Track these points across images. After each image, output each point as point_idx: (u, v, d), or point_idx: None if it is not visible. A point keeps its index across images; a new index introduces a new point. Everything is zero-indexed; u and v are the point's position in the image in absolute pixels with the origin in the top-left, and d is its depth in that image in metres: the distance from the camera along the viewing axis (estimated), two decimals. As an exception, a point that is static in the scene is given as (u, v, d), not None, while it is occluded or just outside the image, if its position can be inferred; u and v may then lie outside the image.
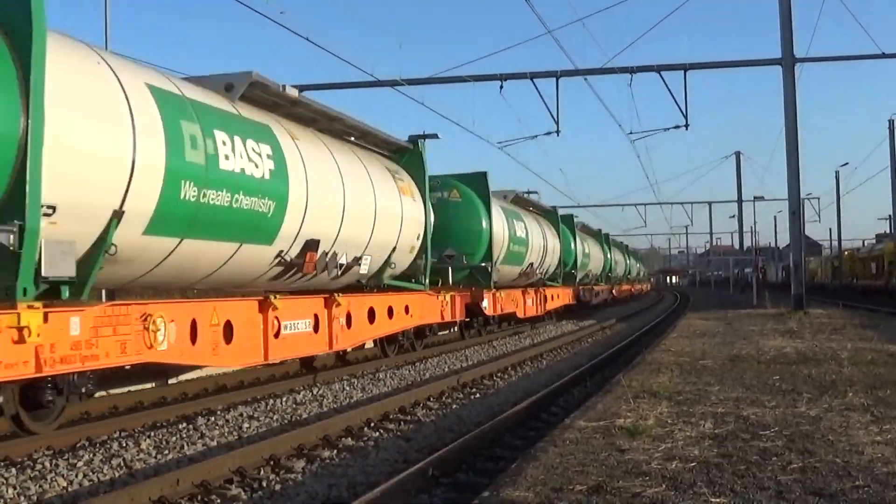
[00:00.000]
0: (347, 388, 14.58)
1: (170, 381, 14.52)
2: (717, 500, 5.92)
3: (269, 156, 12.95)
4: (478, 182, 24.95)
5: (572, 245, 40.27)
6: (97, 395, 12.28)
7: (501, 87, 31.30)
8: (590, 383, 15.20)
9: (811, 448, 7.43)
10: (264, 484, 8.31)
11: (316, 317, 15.03)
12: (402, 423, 11.63)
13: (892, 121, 48.15)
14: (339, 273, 15.84)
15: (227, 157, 11.83)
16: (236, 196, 11.94)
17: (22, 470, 8.55)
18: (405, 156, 20.72)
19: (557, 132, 32.08)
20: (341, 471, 8.85)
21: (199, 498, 7.91)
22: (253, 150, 12.56)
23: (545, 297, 33.18)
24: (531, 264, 30.31)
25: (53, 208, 9.09)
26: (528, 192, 39.62)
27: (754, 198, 77.33)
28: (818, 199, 77.20)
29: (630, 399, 10.20)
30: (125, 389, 13.45)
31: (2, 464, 8.85)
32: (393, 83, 29.24)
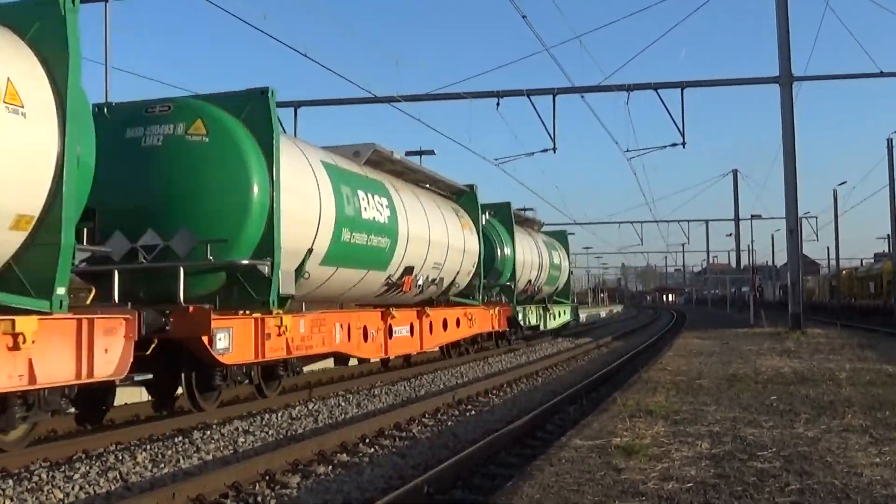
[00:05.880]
0: (343, 404, 14.55)
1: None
2: (715, 521, 5.90)
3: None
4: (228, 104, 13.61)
5: (507, 248, 28.69)
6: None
7: (498, 103, 31.48)
8: (586, 401, 15.17)
9: (809, 469, 7.41)
10: (259, 499, 8.29)
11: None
12: (397, 439, 11.60)
13: (891, 140, 48.18)
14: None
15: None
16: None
17: (19, 481, 8.53)
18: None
19: (554, 149, 32.06)
20: (336, 486, 8.82)
21: (194, 513, 7.87)
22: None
23: (439, 321, 21.68)
24: (408, 269, 19.00)
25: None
26: (525, 209, 38.42)
27: (752, 216, 77.58)
28: (816, 217, 77.59)
29: (626, 418, 10.18)
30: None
31: (-3, 476, 8.83)
32: (390, 99, 29.29)
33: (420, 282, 19.80)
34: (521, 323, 30.59)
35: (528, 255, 32.22)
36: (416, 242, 19.12)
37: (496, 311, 26.63)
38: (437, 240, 20.52)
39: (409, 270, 18.95)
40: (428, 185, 22.96)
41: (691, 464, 7.66)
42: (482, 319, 25.33)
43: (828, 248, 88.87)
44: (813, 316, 53.08)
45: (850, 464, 7.65)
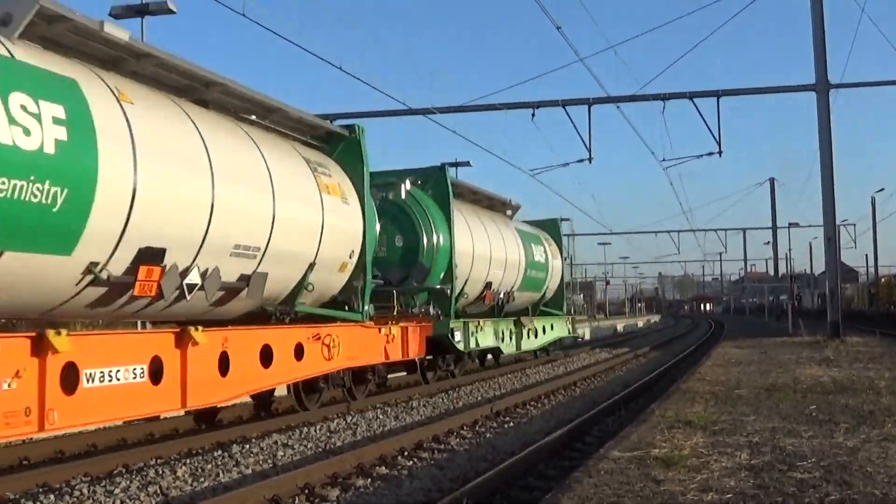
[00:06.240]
0: (381, 417, 14.61)
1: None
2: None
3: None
4: None
5: (439, 234, 20.26)
6: (132, 422, 12.37)
7: (534, 114, 31.53)
8: (624, 412, 15.12)
9: (849, 479, 7.35)
10: (299, 512, 8.35)
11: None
12: (435, 451, 11.62)
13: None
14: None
15: None
16: None
17: (60, 496, 8.66)
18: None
19: (590, 159, 32.06)
20: (376, 500, 8.86)
21: (235, 526, 7.94)
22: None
23: (251, 352, 12.16)
24: (150, 252, 10.06)
25: None
26: (561, 219, 37.62)
27: (789, 224, 77.10)
28: (854, 225, 76.54)
29: (665, 429, 10.14)
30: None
31: (41, 490, 8.97)
32: (426, 111, 29.42)
33: (192, 279, 10.89)
34: (460, 346, 20.83)
35: (485, 247, 23.10)
36: (171, 201, 10.32)
37: (396, 332, 16.83)
38: (244, 206, 11.82)
39: (152, 257, 10.12)
40: (255, 118, 13.74)
41: (730, 475, 7.62)
42: (365, 344, 15.64)
43: (866, 255, 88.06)
44: (852, 324, 52.38)
45: (891, 473, 7.57)
